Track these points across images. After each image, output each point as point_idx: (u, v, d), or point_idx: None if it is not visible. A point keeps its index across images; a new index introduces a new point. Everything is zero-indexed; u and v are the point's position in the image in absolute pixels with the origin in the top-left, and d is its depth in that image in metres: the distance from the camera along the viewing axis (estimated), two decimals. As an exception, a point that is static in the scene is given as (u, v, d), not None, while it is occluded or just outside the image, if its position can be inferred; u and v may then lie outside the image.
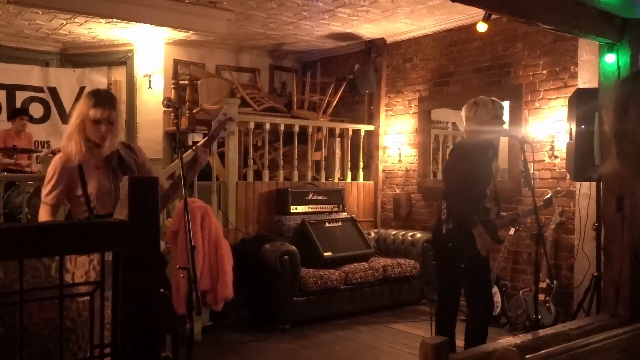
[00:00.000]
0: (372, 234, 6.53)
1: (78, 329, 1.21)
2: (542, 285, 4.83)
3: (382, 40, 7.00)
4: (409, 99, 6.83)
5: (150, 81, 7.22)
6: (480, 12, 5.02)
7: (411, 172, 6.75)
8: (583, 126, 4.25)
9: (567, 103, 4.74)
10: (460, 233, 3.49)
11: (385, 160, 7.09)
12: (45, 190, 2.64)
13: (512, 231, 5.28)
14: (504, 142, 5.75)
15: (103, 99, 2.64)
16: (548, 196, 4.11)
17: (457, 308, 3.74)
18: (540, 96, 5.48)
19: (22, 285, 1.09)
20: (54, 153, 5.97)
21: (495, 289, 5.20)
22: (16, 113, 6.46)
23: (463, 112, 3.66)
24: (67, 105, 7.42)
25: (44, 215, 2.65)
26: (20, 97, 7.16)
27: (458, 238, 3.50)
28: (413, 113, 6.78)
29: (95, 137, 2.60)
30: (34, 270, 1.19)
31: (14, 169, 6.03)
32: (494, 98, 3.66)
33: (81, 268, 1.22)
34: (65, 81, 7.43)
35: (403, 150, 6.84)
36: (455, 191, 3.52)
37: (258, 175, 6.25)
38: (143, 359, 1.16)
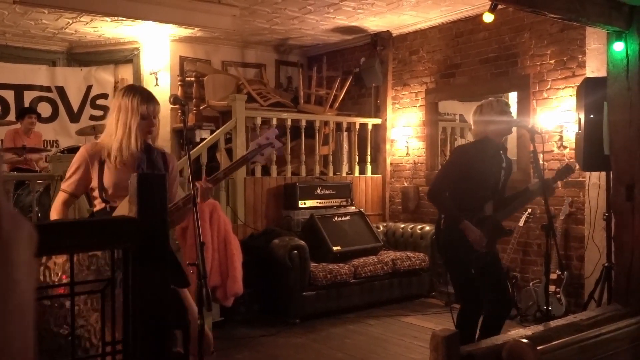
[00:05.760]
0: (381, 228, 6.52)
1: (89, 326, 1.22)
2: (553, 276, 4.82)
3: (388, 32, 6.97)
4: (416, 91, 6.80)
5: (156, 78, 7.23)
6: (486, 3, 4.97)
7: (419, 164, 6.73)
8: (592, 115, 4.22)
9: (575, 93, 4.71)
10: (454, 231, 3.40)
11: (393, 153, 7.07)
12: (65, 178, 2.70)
13: (521, 222, 5.26)
14: (512, 133, 5.72)
15: (149, 94, 2.68)
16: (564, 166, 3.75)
17: (477, 313, 3.48)
18: (548, 86, 5.43)
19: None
20: (63, 152, 6.01)
21: (505, 281, 5.18)
22: (24, 112, 6.48)
23: (471, 119, 3.63)
24: (74, 104, 7.46)
25: (57, 201, 2.70)
26: (28, 96, 7.19)
27: (453, 236, 3.42)
28: (420, 105, 6.75)
29: (145, 132, 2.62)
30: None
31: (24, 168, 6.07)
32: (498, 98, 3.62)
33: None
34: (73, 80, 7.45)
35: (411, 143, 6.82)
36: (439, 191, 3.46)
37: (266, 171, 6.26)
38: (154, 354, 1.17)
